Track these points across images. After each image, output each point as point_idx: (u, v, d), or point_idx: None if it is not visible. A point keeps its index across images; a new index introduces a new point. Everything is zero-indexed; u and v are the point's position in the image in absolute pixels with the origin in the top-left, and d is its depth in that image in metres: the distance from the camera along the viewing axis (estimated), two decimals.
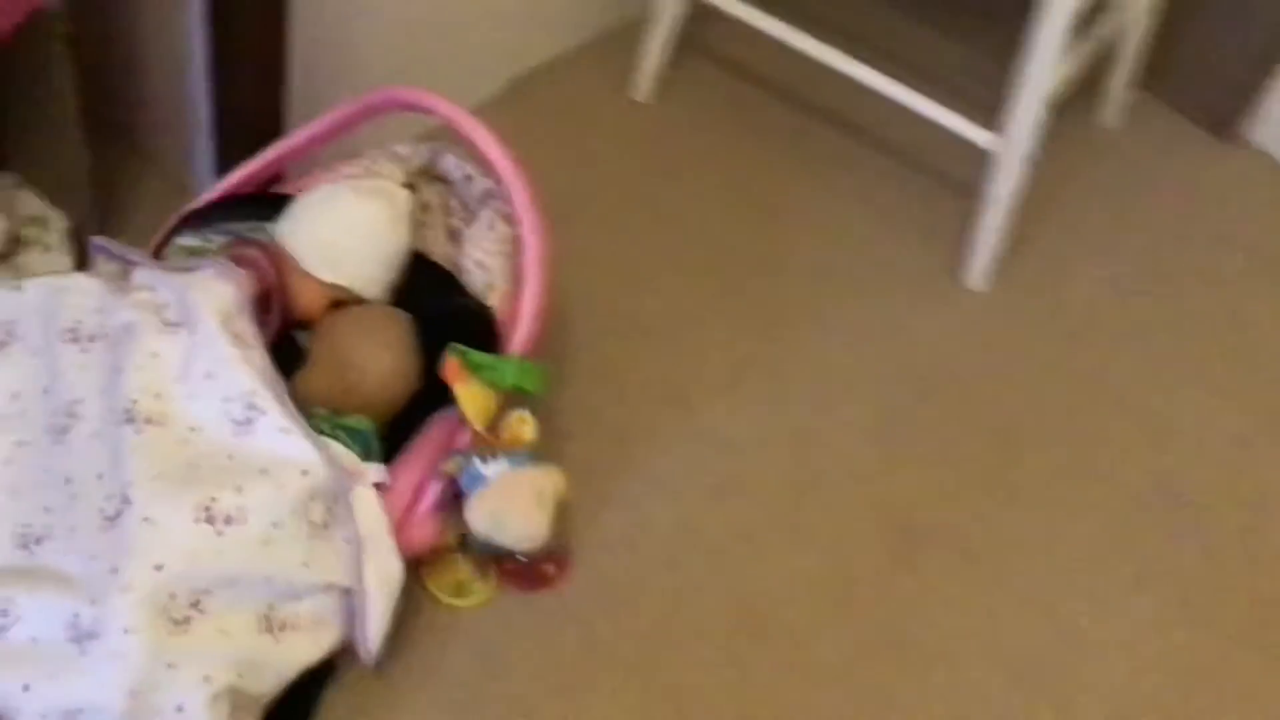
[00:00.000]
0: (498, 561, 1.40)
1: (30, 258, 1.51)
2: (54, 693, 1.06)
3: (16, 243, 1.52)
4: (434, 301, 1.34)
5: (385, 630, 1.23)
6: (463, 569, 1.39)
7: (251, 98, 1.39)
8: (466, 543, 1.34)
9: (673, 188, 1.93)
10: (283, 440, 1.17)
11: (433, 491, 1.27)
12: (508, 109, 1.97)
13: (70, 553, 1.11)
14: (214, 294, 1.21)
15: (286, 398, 1.20)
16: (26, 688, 1.06)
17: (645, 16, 1.96)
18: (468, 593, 1.38)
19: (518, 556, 1.40)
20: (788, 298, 1.80)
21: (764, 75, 2.15)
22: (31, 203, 1.55)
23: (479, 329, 1.31)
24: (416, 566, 1.32)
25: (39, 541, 1.13)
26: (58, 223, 1.53)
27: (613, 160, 1.95)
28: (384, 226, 1.34)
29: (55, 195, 1.53)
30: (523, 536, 1.26)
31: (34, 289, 1.25)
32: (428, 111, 1.33)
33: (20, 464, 1.17)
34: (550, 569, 1.42)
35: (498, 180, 1.33)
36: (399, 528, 1.24)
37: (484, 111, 1.88)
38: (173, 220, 1.37)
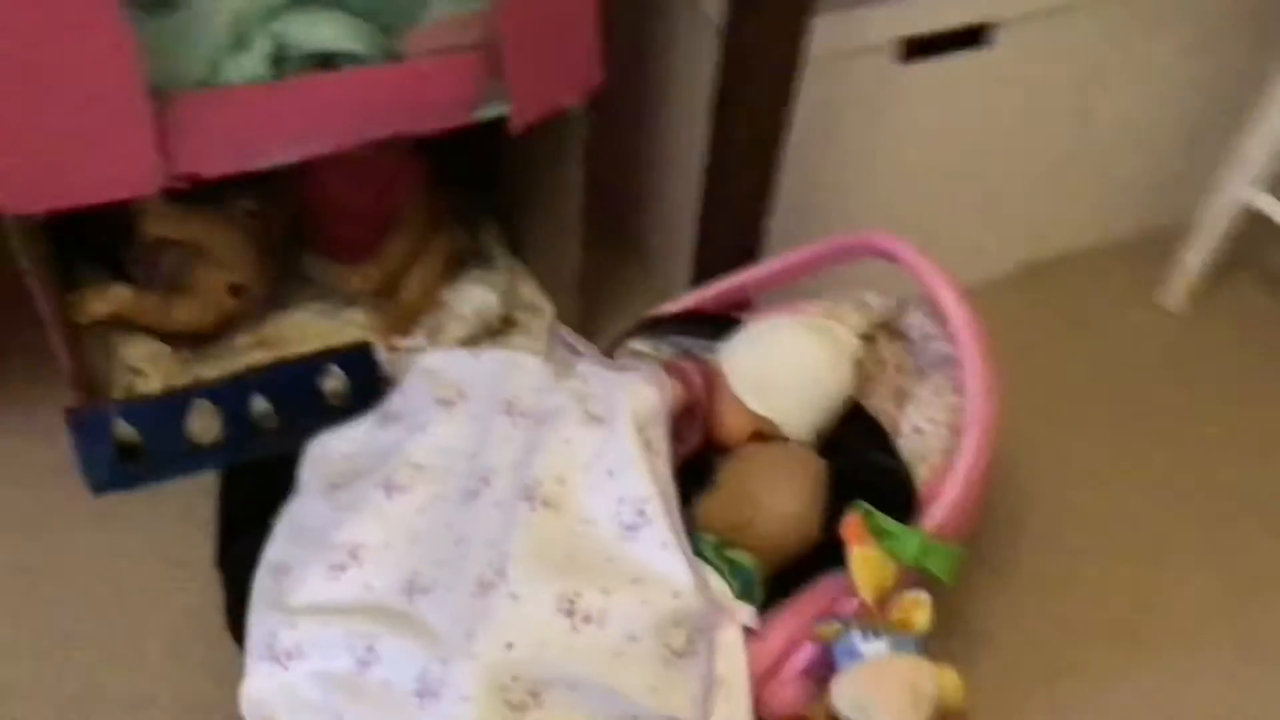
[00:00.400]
0: None
1: (516, 340, 1.63)
2: None
3: (509, 324, 1.64)
4: (856, 454, 1.25)
5: None
6: None
7: (734, 221, 1.40)
8: None
9: (1182, 406, 1.72)
10: (661, 555, 1.13)
11: (804, 654, 1.17)
12: (1013, 292, 1.86)
13: (443, 609, 1.13)
14: (637, 396, 1.20)
15: (678, 515, 1.16)
16: None
17: (1186, 221, 1.78)
18: None
19: None
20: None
21: None
22: (529, 291, 1.67)
23: (895, 493, 1.21)
24: None
25: (423, 592, 1.16)
26: (547, 312, 1.64)
27: (1124, 365, 1.78)
28: (822, 366, 1.28)
29: (551, 286, 1.63)
30: None
31: (489, 359, 1.32)
32: (897, 260, 1.26)
33: (430, 516, 1.22)
34: None
35: (956, 346, 1.23)
36: (760, 682, 1.16)
37: (987, 291, 1.82)
38: (632, 325, 1.41)
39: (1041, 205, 1.82)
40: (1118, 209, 1.93)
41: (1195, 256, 1.81)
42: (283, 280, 1.62)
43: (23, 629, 1.33)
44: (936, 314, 1.28)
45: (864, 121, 1.52)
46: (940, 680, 1.17)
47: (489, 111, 1.32)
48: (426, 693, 1.08)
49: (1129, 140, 1.80)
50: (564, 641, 1.08)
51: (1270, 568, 1.52)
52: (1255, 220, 1.78)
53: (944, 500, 1.19)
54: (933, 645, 1.17)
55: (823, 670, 1.17)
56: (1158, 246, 1.90)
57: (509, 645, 1.07)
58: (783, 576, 1.22)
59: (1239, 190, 1.70)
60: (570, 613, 1.09)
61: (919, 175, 1.62)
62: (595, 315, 1.64)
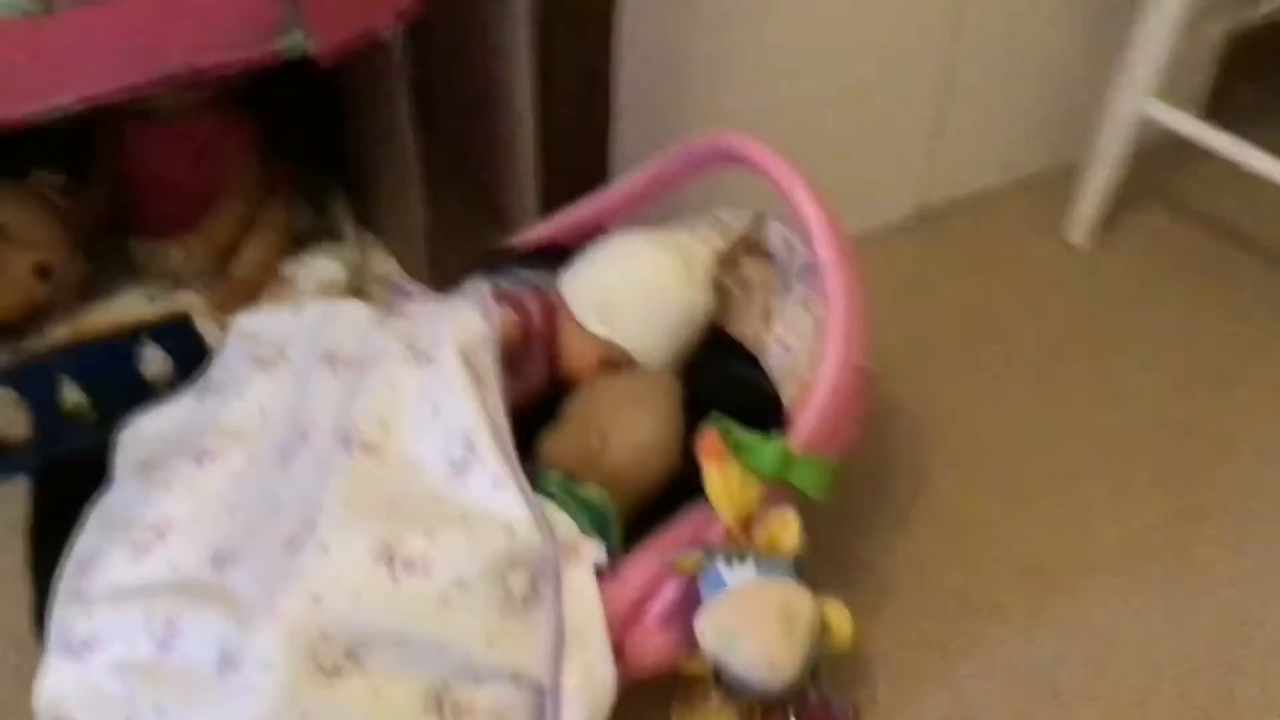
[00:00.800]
0: (765, 713, 1.14)
1: None
2: None
3: (359, 296, 1.52)
4: (714, 370, 1.13)
5: None
6: (719, 713, 1.13)
7: (574, 140, 1.28)
8: (721, 677, 1.09)
9: (1095, 341, 1.62)
10: (492, 491, 1.00)
11: (668, 594, 1.04)
12: (910, 236, 1.77)
13: (246, 575, 1.00)
14: (461, 325, 1.08)
15: (512, 449, 1.03)
16: (161, 710, 0.94)
17: (1089, 156, 1.69)
18: None
19: (790, 714, 1.13)
20: (1228, 483, 1.42)
21: (1232, 225, 1.79)
22: (380, 261, 1.54)
23: (758, 406, 1.08)
24: (644, 689, 1.08)
25: (231, 561, 1.02)
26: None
27: (1028, 302, 1.68)
28: (669, 280, 1.16)
29: (398, 246, 1.52)
30: (757, 663, 0.98)
31: (310, 312, 1.19)
32: (749, 162, 1.14)
33: (244, 481, 1.09)
34: None
35: (814, 251, 1.11)
36: (621, 630, 1.02)
37: (882, 237, 1.72)
38: (471, 264, 1.28)
39: (934, 144, 1.73)
40: (1015, 147, 1.84)
41: (1095, 183, 1.72)
42: (105, 269, 1.48)
43: None
44: (798, 222, 1.16)
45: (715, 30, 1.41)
46: (826, 613, 1.05)
47: (292, 40, 1.20)
48: (227, 665, 0.94)
49: (1015, 66, 1.72)
50: (383, 592, 0.94)
51: (1187, 500, 1.41)
52: (1158, 146, 1.70)
53: (810, 409, 1.07)
54: (831, 594, 1.05)
55: (692, 612, 1.03)
56: (1060, 184, 1.81)
57: (315, 599, 0.93)
58: (647, 516, 1.09)
59: (1131, 102, 1.61)
60: (389, 560, 0.95)
61: (791, 108, 1.52)
62: (446, 271, 1.51)
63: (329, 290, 1.47)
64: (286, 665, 0.91)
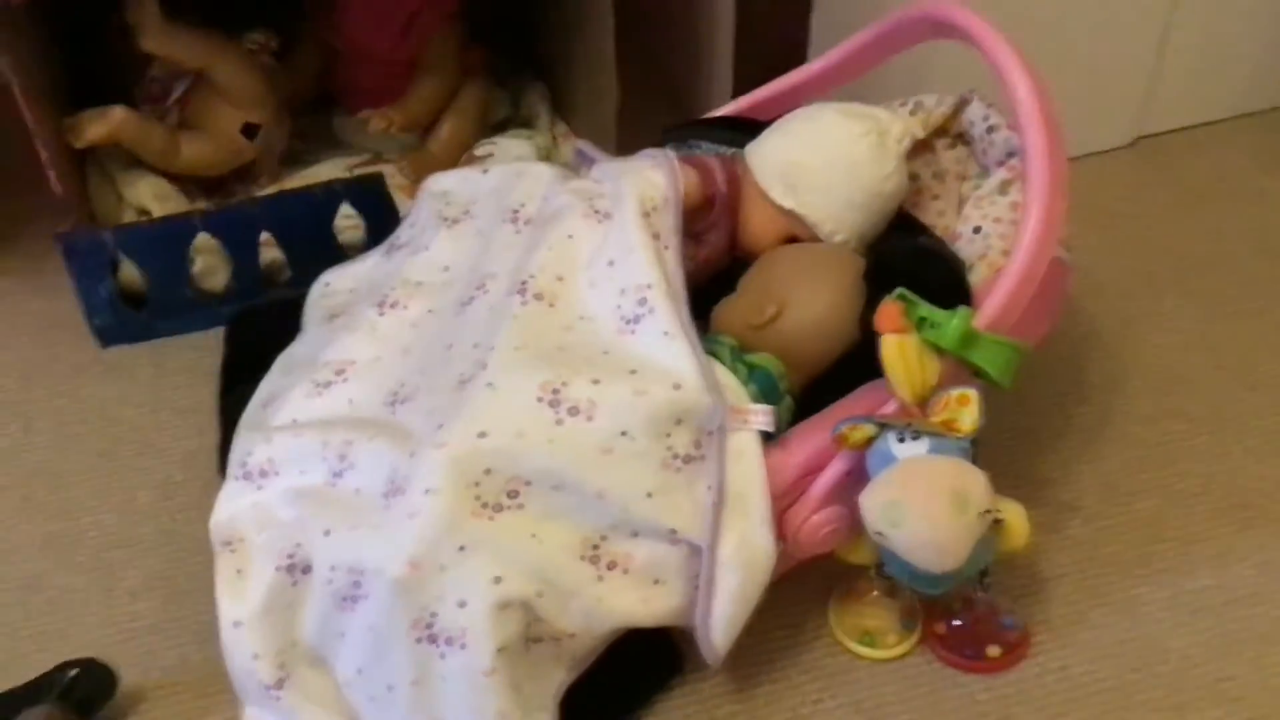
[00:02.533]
0: (928, 616, 1.10)
1: None
2: (347, 543, 0.95)
3: None
4: (897, 242, 1.08)
5: (737, 624, 0.98)
6: (879, 614, 1.09)
7: (773, 22, 1.25)
8: (884, 573, 1.05)
9: None
10: (663, 344, 0.98)
11: (835, 466, 1.00)
12: (1125, 164, 1.67)
13: (419, 412, 1.01)
14: (644, 181, 1.06)
15: (685, 306, 1.01)
16: (328, 533, 0.96)
17: None
18: (878, 643, 1.09)
19: (953, 616, 1.08)
20: None
21: None
22: (571, 151, 1.54)
23: (942, 281, 1.02)
24: (803, 577, 1.06)
25: (404, 401, 1.04)
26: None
27: (1247, 238, 1.57)
28: (861, 152, 1.10)
29: (589, 133, 1.51)
30: (923, 541, 0.93)
31: (496, 172, 1.19)
32: (956, 29, 1.07)
33: (422, 329, 1.10)
34: (994, 650, 1.08)
35: (1019, 130, 1.05)
36: (781, 502, 0.99)
37: (1097, 162, 1.64)
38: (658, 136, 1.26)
39: (1157, 72, 1.63)
40: (1243, 82, 1.71)
41: None
42: (309, 142, 1.53)
43: (13, 471, 1.25)
44: (1004, 99, 1.09)
45: None
46: (1003, 508, 0.99)
47: None
48: (393, 492, 0.95)
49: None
50: (545, 433, 0.94)
51: None
52: None
53: (1001, 288, 1.01)
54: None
55: (858, 491, 0.99)
56: None
57: (481, 433, 0.93)
58: (819, 395, 1.06)
59: None
60: (555, 403, 0.95)
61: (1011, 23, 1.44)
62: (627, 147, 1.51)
63: None
64: (449, 493, 0.92)
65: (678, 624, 1.00)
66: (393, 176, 1.45)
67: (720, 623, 0.98)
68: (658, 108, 1.63)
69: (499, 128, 1.58)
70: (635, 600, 0.97)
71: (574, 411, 0.95)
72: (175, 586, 1.14)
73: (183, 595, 1.13)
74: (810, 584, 1.11)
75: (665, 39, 1.64)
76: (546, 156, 1.51)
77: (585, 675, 0.99)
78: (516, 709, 0.92)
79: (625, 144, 1.46)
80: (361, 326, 1.11)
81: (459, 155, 1.49)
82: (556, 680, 0.97)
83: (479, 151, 1.50)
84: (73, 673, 1.00)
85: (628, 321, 1.01)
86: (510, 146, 1.50)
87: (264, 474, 1.02)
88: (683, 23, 1.57)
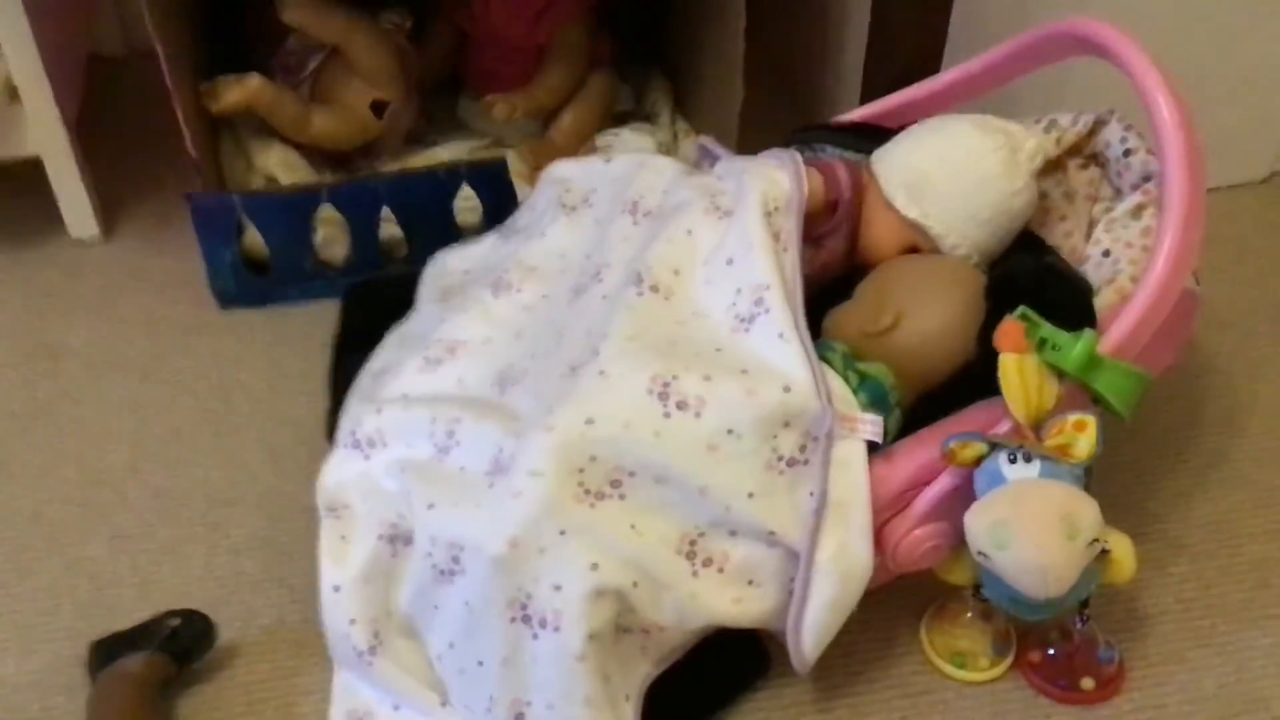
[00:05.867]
0: (1022, 643, 1.08)
1: None
2: (449, 518, 0.96)
3: None
4: (1022, 260, 1.06)
5: (828, 633, 0.98)
6: (973, 636, 1.08)
7: (909, 30, 1.23)
8: (981, 595, 1.03)
9: None
10: (776, 346, 0.98)
11: (941, 482, 0.99)
12: (1264, 198, 1.63)
13: (528, 395, 1.02)
14: (768, 181, 1.05)
15: (801, 309, 1.00)
16: (431, 506, 0.97)
17: None
18: (969, 665, 1.07)
19: (1050, 645, 1.06)
20: None
21: None
22: (691, 146, 1.54)
23: (1067, 303, 1.00)
24: (899, 593, 1.05)
25: (513, 383, 1.04)
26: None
27: None
28: (992, 170, 1.08)
29: (709, 132, 1.51)
30: (1030, 565, 0.91)
31: (619, 163, 1.20)
32: (1099, 48, 1.05)
33: (536, 313, 1.11)
34: (1089, 682, 1.06)
35: (1160, 155, 1.02)
36: (882, 514, 0.98)
37: (1237, 194, 1.62)
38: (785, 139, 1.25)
39: None
40: None
41: None
42: (434, 123, 1.55)
43: (128, 421, 1.29)
44: (1145, 121, 1.06)
45: None
46: (1110, 538, 0.97)
47: None
48: (497, 471, 0.96)
49: None
50: (653, 425, 0.94)
51: None
52: None
53: (1128, 314, 0.98)
54: None
55: (962, 510, 0.98)
56: None
57: (589, 420, 0.94)
58: (930, 408, 1.05)
59: None
60: (664, 396, 0.94)
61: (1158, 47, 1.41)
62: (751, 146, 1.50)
63: None
64: (553, 476, 0.92)
65: (768, 627, 1.00)
66: (513, 162, 1.46)
67: (812, 630, 0.97)
68: (782, 109, 1.64)
69: (620, 120, 1.58)
70: (728, 599, 0.97)
71: (683, 406, 0.95)
72: (277, 547, 1.16)
73: (284, 556, 1.15)
74: (905, 600, 1.10)
75: (794, 41, 1.63)
76: (667, 152, 1.52)
77: (671, 670, 0.99)
78: (603, 696, 0.93)
79: (747, 144, 1.45)
80: (475, 307, 1.12)
81: (580, 145, 1.50)
82: (643, 672, 0.97)
83: (600, 142, 1.51)
84: (175, 622, 1.03)
85: (742, 320, 1.01)
86: (631, 139, 1.50)
87: (372, 444, 1.04)
88: (813, 25, 1.56)
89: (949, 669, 1.08)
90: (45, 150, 1.42)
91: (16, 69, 1.35)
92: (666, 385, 0.95)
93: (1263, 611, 1.13)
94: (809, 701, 1.05)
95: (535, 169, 1.46)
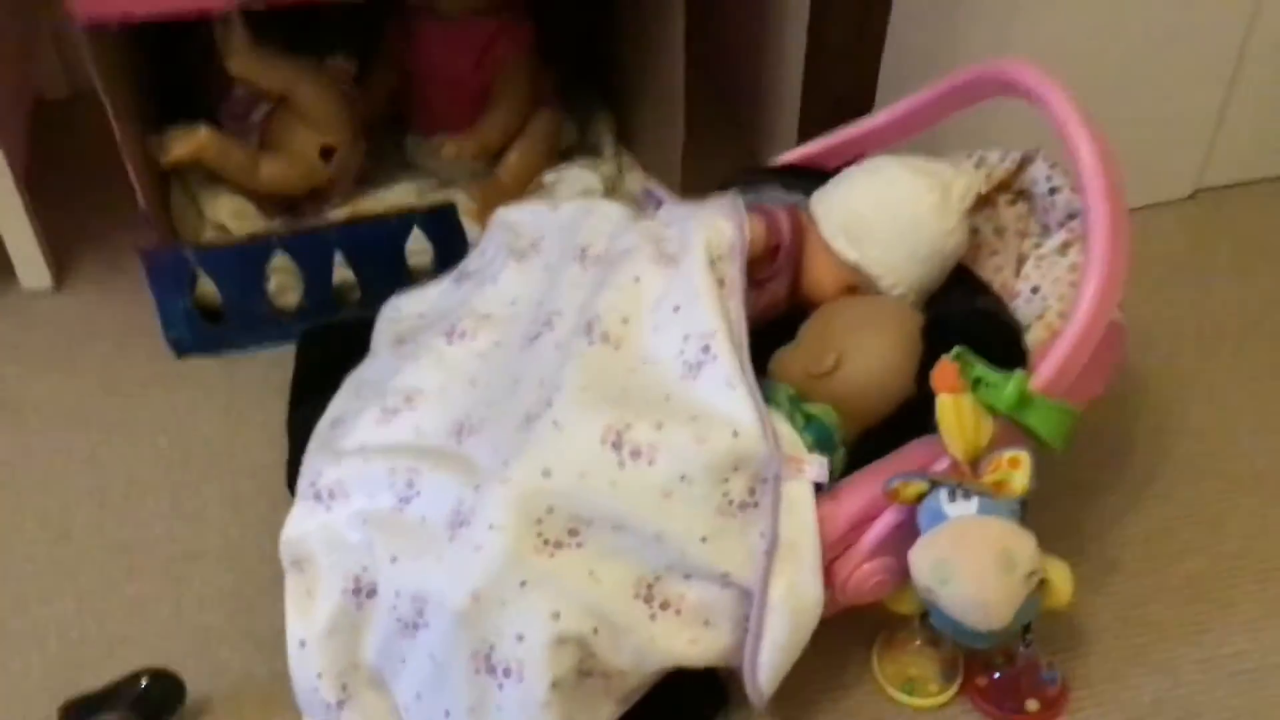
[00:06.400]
0: (969, 668, 1.12)
1: None
2: (412, 572, 0.99)
3: None
4: (956, 302, 1.11)
5: (783, 668, 1.01)
6: (921, 663, 1.12)
7: (842, 67, 1.27)
8: (928, 623, 1.07)
9: None
10: (724, 393, 1.01)
11: (884, 523, 1.03)
12: (1184, 217, 1.69)
13: (485, 445, 1.04)
14: (712, 229, 1.09)
15: (747, 355, 1.04)
16: (394, 559, 1.00)
17: None
18: (919, 691, 1.11)
19: (995, 669, 1.11)
20: None
21: None
22: (635, 180, 1.57)
23: (998, 342, 1.05)
24: (847, 624, 1.08)
25: (470, 434, 1.07)
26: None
27: None
28: (926, 211, 1.13)
29: (654, 168, 1.54)
30: (970, 601, 0.96)
31: (567, 209, 1.23)
32: (1022, 90, 1.09)
33: (489, 361, 1.13)
34: (1033, 704, 1.10)
35: (1082, 192, 1.07)
36: (832, 552, 1.02)
37: (1156, 214, 1.66)
38: (725, 180, 1.29)
39: (1218, 125, 1.63)
40: None
41: None
42: (381, 163, 1.57)
43: (86, 476, 1.30)
44: (1068, 160, 1.11)
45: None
46: (1047, 568, 1.02)
47: None
48: (458, 523, 0.98)
49: None
50: (608, 475, 0.97)
51: None
52: None
53: (1057, 351, 1.03)
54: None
55: (907, 544, 1.02)
56: None
57: (545, 472, 0.97)
58: (872, 445, 1.09)
59: None
60: (617, 445, 0.98)
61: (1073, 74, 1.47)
62: (699, 194, 1.53)
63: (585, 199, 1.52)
64: (513, 529, 0.95)
65: (724, 664, 1.03)
66: (462, 203, 1.48)
67: (767, 666, 1.01)
68: (723, 145, 1.67)
69: (565, 154, 1.61)
70: (685, 640, 1.00)
71: (636, 455, 0.98)
72: (243, 599, 1.18)
73: (250, 608, 1.17)
74: (855, 629, 1.13)
75: (734, 78, 1.67)
76: (612, 186, 1.55)
77: (633, 710, 1.02)
78: None
79: (690, 176, 1.49)
80: (429, 355, 1.15)
81: (527, 182, 1.53)
82: (605, 713, 1.00)
83: (546, 180, 1.53)
84: (144, 682, 1.04)
85: (690, 367, 1.04)
86: (577, 176, 1.53)
87: (333, 495, 1.06)
88: (752, 63, 1.60)
89: (900, 696, 1.12)
90: (3, 208, 1.42)
91: None
92: (619, 435, 0.98)
93: (1195, 627, 1.18)
94: None
95: (484, 208, 1.49)
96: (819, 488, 1.02)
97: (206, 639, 1.15)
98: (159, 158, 1.37)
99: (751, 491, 1.00)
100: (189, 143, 1.36)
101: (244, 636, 1.15)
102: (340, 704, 1.01)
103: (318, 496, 1.07)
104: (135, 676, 1.05)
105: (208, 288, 1.39)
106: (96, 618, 1.17)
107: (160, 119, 1.43)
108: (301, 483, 1.08)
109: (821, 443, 1.04)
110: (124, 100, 1.33)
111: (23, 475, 1.31)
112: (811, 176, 1.23)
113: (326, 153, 1.45)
